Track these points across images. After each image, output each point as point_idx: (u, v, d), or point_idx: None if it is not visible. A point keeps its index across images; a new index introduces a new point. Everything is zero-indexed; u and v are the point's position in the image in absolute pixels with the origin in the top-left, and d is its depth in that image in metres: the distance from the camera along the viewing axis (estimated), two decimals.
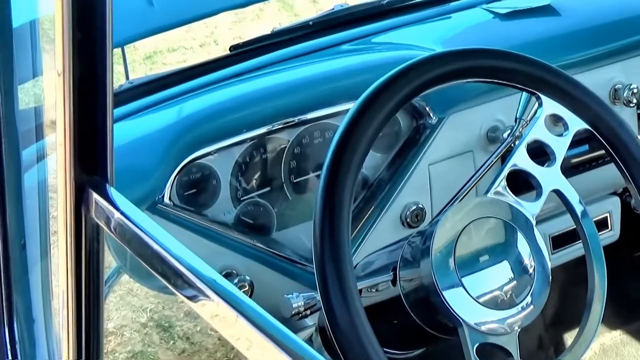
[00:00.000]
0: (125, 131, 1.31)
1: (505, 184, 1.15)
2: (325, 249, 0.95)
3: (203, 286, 0.70)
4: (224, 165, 1.35)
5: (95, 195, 0.83)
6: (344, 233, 0.95)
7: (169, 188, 1.28)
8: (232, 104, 1.36)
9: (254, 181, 1.38)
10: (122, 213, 0.80)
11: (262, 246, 1.36)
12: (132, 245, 0.79)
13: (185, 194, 1.32)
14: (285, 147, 1.39)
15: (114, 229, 0.81)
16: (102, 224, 0.84)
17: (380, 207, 1.43)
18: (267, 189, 1.39)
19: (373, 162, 1.45)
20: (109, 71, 0.81)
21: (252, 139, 1.35)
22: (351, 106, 1.05)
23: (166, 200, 1.28)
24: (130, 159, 1.24)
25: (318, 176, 1.40)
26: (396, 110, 1.05)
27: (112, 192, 0.83)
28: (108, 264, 1.32)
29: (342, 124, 1.03)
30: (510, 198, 1.15)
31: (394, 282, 1.13)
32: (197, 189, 1.33)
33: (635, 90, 1.55)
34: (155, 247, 0.75)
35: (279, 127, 1.37)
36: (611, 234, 1.64)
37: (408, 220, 1.45)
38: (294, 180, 1.41)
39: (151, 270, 0.76)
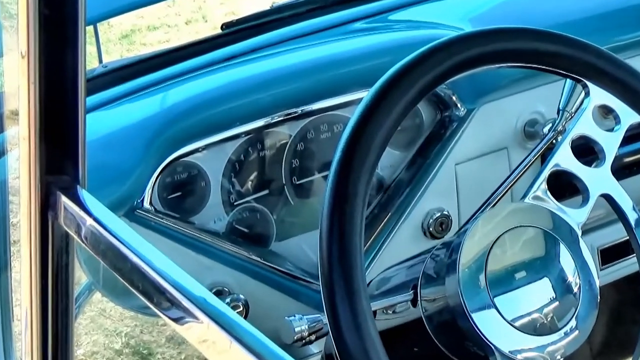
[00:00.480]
0: (99, 123, 1.32)
1: (546, 187, 1.16)
2: (333, 263, 0.95)
3: (190, 306, 0.70)
4: (214, 164, 1.36)
5: (64, 199, 0.83)
6: (356, 244, 0.96)
7: (150, 191, 1.30)
8: (224, 93, 1.37)
9: (250, 183, 1.40)
10: (96, 220, 0.80)
11: (258, 259, 1.38)
12: (107, 258, 0.79)
13: (169, 197, 1.33)
14: (287, 143, 1.41)
15: (86, 238, 0.81)
16: (71, 233, 0.83)
17: (398, 214, 1.44)
18: (265, 192, 1.41)
19: (390, 161, 1.46)
20: (81, 53, 0.81)
21: (247, 133, 1.37)
22: (365, 95, 1.05)
23: (146, 205, 1.30)
24: (104, 156, 1.25)
25: (325, 177, 1.42)
26: (418, 100, 1.06)
27: (84, 194, 0.83)
28: (77, 280, 1.30)
29: (353, 115, 1.04)
30: (552, 204, 1.15)
31: (414, 302, 1.14)
32: (182, 192, 1.35)
33: None
34: (134, 259, 0.75)
35: (280, 119, 1.39)
36: None
37: (431, 229, 1.46)
38: (297, 182, 1.42)
39: (129, 287, 0.76)
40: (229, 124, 1.35)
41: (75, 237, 0.83)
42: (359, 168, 0.99)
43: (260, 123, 1.37)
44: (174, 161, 1.32)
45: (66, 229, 0.84)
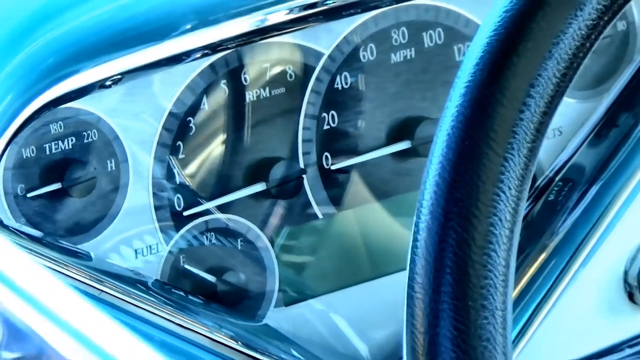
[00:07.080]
0: None
1: None
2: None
3: None
4: (136, 119, 1.02)
5: None
6: (497, 318, 0.64)
7: None
8: None
9: (218, 167, 1.06)
10: None
11: (236, 344, 1.02)
12: None
13: (30, 196, 1.01)
14: (311, 73, 1.06)
15: None
16: None
17: (569, 250, 1.12)
18: (256, 188, 1.05)
19: (556, 123, 1.15)
20: None
21: (205, 50, 1.01)
22: None
23: None
24: None
25: (402, 157, 1.08)
26: None
27: None
28: None
29: (488, 17, 0.69)
30: None
31: None
32: (62, 182, 0.99)
33: None
34: None
35: (289, 16, 1.04)
36: None
37: None
38: (331, 166, 1.07)
39: None
40: (170, 26, 0.98)
41: None
42: (504, 136, 0.63)
43: (243, 25, 1.00)
44: (42, 112, 0.97)
45: None
